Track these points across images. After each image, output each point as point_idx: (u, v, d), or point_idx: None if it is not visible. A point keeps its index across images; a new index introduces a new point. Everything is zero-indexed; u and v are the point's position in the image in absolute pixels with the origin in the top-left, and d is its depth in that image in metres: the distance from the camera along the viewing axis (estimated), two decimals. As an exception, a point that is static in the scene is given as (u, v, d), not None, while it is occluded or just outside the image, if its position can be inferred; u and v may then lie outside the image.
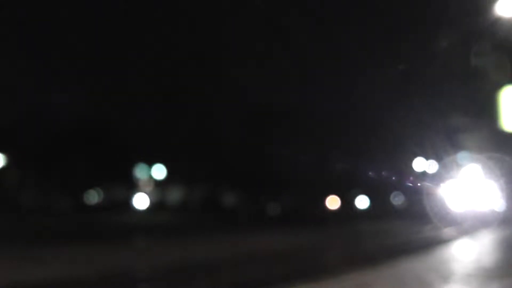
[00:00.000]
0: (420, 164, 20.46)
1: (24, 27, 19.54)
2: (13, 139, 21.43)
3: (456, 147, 17.39)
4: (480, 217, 16.40)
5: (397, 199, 26.20)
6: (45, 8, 18.79)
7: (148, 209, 26.47)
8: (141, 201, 26.99)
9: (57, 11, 19.21)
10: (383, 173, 20.77)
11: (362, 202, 25.88)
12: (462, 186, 17.72)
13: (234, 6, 19.48)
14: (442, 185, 17.71)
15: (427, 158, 19.78)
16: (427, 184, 17.92)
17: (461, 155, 17.67)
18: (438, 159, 18.38)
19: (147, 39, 21.88)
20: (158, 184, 27.85)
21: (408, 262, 7.61)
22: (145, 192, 27.44)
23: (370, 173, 20.62)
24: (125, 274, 6.35)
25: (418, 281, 6.07)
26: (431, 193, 17.26)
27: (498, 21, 11.48)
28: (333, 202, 24.99)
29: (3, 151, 22.17)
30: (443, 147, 17.13)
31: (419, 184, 19.01)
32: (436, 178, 18.23)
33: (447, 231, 13.63)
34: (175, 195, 28.70)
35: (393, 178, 20.79)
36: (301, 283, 5.49)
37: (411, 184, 20.36)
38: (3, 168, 22.36)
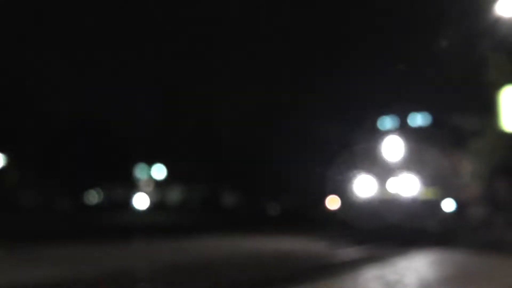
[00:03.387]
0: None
1: (22, 23, 19.56)
2: (13, 139, 21.45)
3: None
4: (410, 224, 10.47)
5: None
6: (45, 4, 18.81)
7: (148, 209, 26.50)
8: (141, 201, 27.03)
9: (53, 8, 19.22)
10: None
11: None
12: (387, 177, 11.49)
13: (233, 5, 19.51)
14: (355, 175, 11.94)
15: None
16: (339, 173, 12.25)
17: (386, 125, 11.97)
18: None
19: (148, 39, 21.92)
20: (158, 184, 27.90)
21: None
22: (145, 192, 27.48)
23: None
24: (125, 274, 6.36)
25: None
26: (338, 187, 12.40)
27: (498, 21, 11.50)
28: (333, 202, 24.86)
29: (3, 151, 22.19)
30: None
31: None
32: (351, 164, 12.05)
33: (350, 251, 9.00)
34: (175, 195, 28.73)
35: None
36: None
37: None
38: (3, 168, 22.37)
